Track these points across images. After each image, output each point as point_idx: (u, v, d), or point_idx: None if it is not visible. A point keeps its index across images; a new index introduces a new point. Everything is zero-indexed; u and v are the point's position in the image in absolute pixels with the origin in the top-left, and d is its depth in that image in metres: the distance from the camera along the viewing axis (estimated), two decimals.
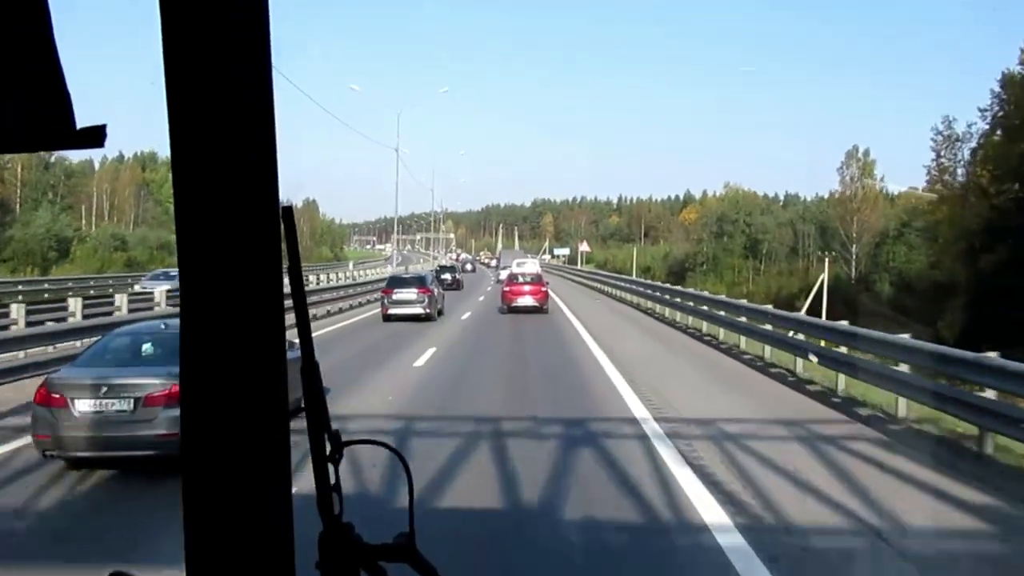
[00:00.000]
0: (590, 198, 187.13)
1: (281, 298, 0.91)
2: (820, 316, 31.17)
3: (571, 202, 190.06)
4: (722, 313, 20.07)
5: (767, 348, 15.36)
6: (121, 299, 21.20)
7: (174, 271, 28.53)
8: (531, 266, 34.03)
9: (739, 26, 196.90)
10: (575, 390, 12.30)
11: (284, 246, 0.92)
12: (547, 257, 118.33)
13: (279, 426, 0.92)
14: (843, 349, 12.30)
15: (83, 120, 0.78)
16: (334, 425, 0.98)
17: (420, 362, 15.32)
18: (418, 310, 24.13)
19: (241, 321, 0.88)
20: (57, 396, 6.91)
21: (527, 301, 26.35)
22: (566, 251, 77.87)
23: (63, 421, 6.82)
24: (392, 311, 24.23)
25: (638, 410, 10.49)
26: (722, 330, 18.84)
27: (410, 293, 24.50)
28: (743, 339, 16.92)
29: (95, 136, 0.79)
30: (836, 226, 66.40)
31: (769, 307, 18.35)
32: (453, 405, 10.91)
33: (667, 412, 10.26)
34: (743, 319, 18.27)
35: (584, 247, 45.18)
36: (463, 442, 8.46)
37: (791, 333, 14.79)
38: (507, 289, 27.41)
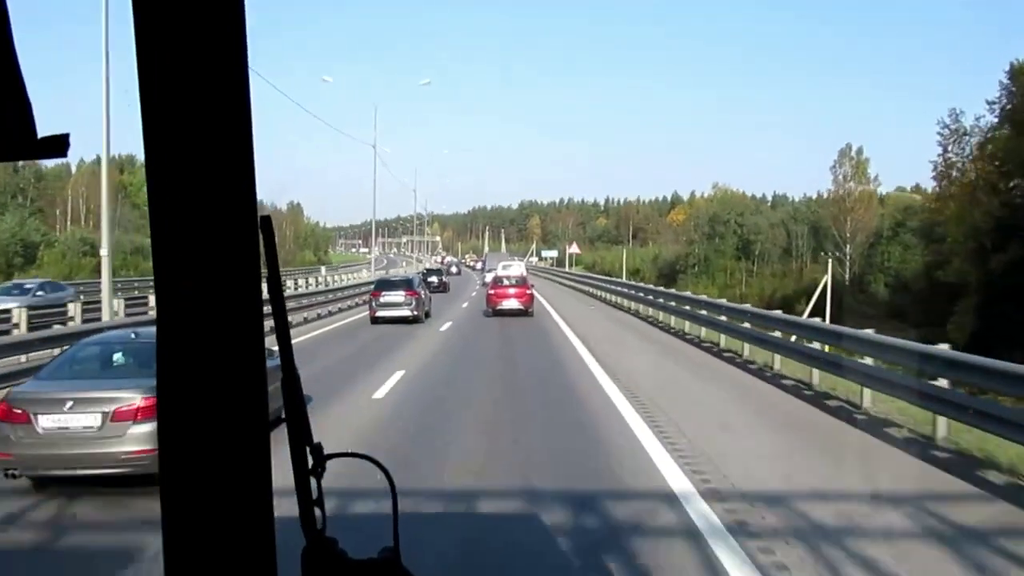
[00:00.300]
0: (577, 200, 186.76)
1: (260, 308, 0.90)
2: (824, 320, 29.70)
3: (558, 204, 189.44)
4: (723, 318, 18.53)
5: (815, 372, 12.60)
6: (75, 308, 19.17)
7: (30, 283, 26.79)
8: (516, 269, 33.62)
9: (733, 26, 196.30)
10: (581, 439, 9.16)
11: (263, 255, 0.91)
12: (534, 259, 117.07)
13: (259, 439, 0.90)
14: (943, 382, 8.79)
15: (57, 126, 0.77)
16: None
17: (380, 393, 12.04)
18: (405, 312, 24.09)
19: (219, 332, 0.87)
20: (19, 412, 6.51)
21: (512, 304, 26.23)
22: (554, 253, 76.08)
23: (26, 438, 6.45)
24: (380, 313, 24.21)
25: (673, 476, 7.40)
26: (747, 346, 16.68)
27: (397, 296, 24.48)
28: (776, 357, 14.64)
29: (57, 145, 0.79)
30: (829, 226, 65.01)
31: (778, 312, 16.69)
32: (414, 463, 7.63)
33: (713, 479, 7.24)
34: (747, 325, 16.83)
35: (574, 249, 43.15)
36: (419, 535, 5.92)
37: (823, 347, 12.64)
38: (492, 292, 27.14)
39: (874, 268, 60.99)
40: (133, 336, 7.68)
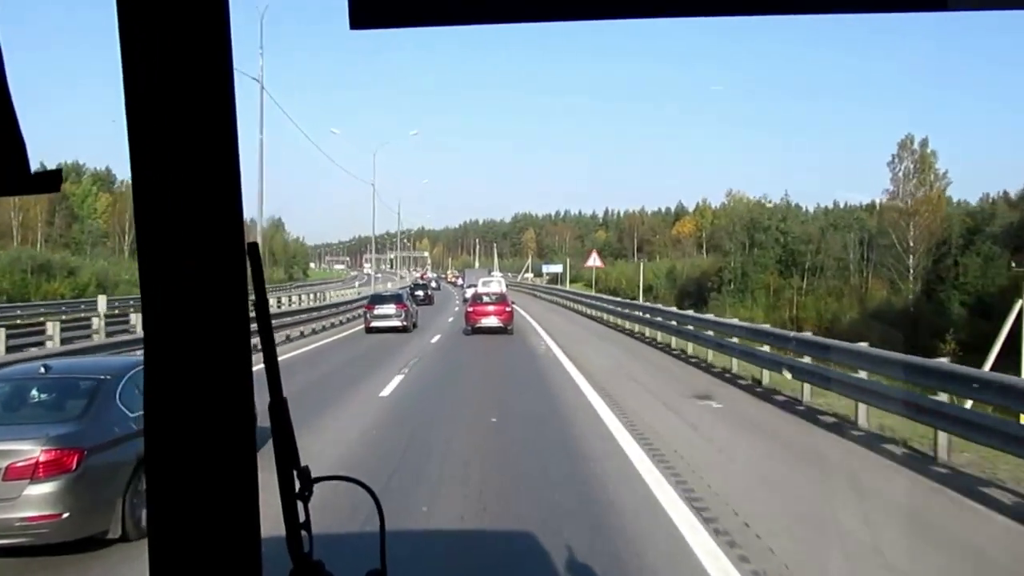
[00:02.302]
0: (574, 212, 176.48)
1: (248, 334, 0.91)
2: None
3: (554, 217, 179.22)
4: (862, 375, 10.26)
5: None
6: None
7: None
8: (496, 285, 33.68)
9: (731, 24, 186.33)
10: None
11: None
12: (529, 276, 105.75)
13: (247, 463, 0.91)
14: None
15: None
16: None
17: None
18: (396, 323, 26.39)
19: (207, 358, 0.88)
20: None
21: (492, 321, 25.46)
22: (558, 268, 64.44)
23: None
24: (374, 324, 26.39)
25: None
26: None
27: (389, 309, 26.85)
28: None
29: (52, 180, 0.80)
30: (886, 232, 53.89)
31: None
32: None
33: None
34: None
35: (594, 261, 31.68)
36: None
37: None
38: (471, 309, 26.38)
39: (947, 284, 49.95)
40: (42, 371, 6.46)
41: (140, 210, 0.86)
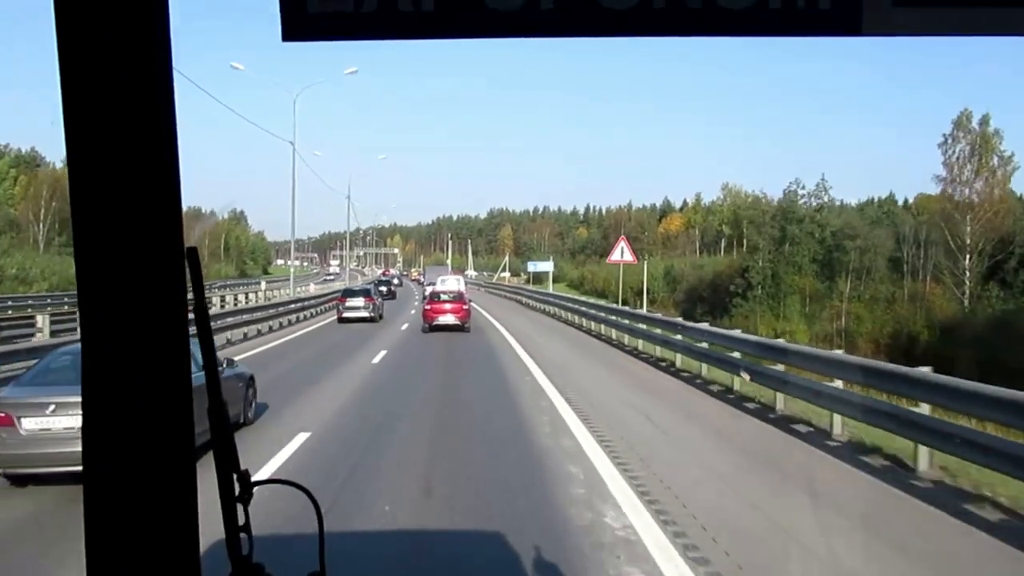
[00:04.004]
0: (554, 209, 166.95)
1: (187, 339, 0.91)
2: None
3: (532, 213, 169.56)
4: None
5: None
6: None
7: None
8: (453, 283, 34.57)
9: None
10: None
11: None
12: (506, 275, 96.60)
13: (185, 466, 0.91)
14: None
15: None
16: None
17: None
18: (364, 314, 29.63)
19: (145, 362, 0.88)
20: (2, 415, 7.08)
21: (449, 319, 25.64)
22: (547, 266, 54.55)
23: (9, 439, 6.99)
24: (345, 315, 29.53)
25: None
26: None
27: (358, 301, 30.26)
28: None
29: None
30: (935, 227, 45.32)
31: None
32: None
33: None
34: None
35: (624, 255, 22.50)
36: None
37: None
38: (428, 307, 26.39)
39: (1015, 289, 41.47)
40: None
41: (77, 213, 0.86)
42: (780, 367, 11.39)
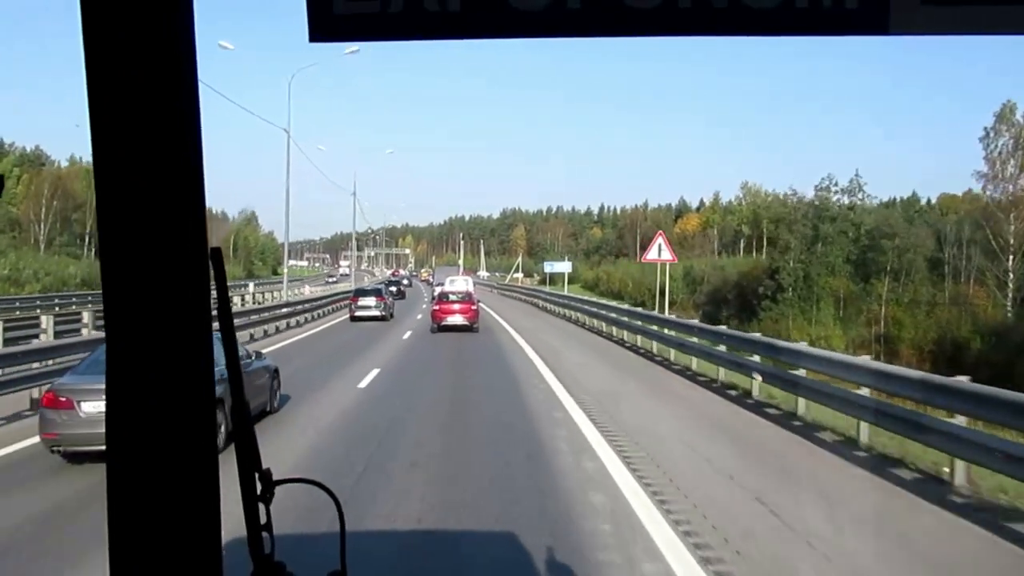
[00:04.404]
0: (567, 208, 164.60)
1: (210, 338, 0.92)
2: None
3: (546, 213, 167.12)
4: None
5: None
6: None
7: None
8: (462, 284, 34.79)
9: None
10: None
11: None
12: (519, 275, 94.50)
13: (208, 466, 0.91)
14: None
15: None
16: None
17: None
18: (375, 313, 30.46)
19: (169, 361, 0.88)
20: (64, 399, 7.79)
21: (457, 319, 25.54)
22: (565, 267, 52.05)
23: (69, 421, 7.67)
24: (357, 313, 30.44)
25: None
26: None
27: (370, 301, 31.28)
28: None
29: None
30: (979, 226, 42.71)
31: None
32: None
33: None
34: None
35: (662, 253, 19.92)
36: None
37: None
38: (437, 308, 26.40)
39: None
40: None
41: (103, 213, 0.86)
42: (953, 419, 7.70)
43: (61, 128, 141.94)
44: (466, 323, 25.41)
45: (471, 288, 32.77)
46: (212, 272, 0.92)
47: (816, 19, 0.92)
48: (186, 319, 0.88)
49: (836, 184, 43.80)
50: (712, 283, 56.03)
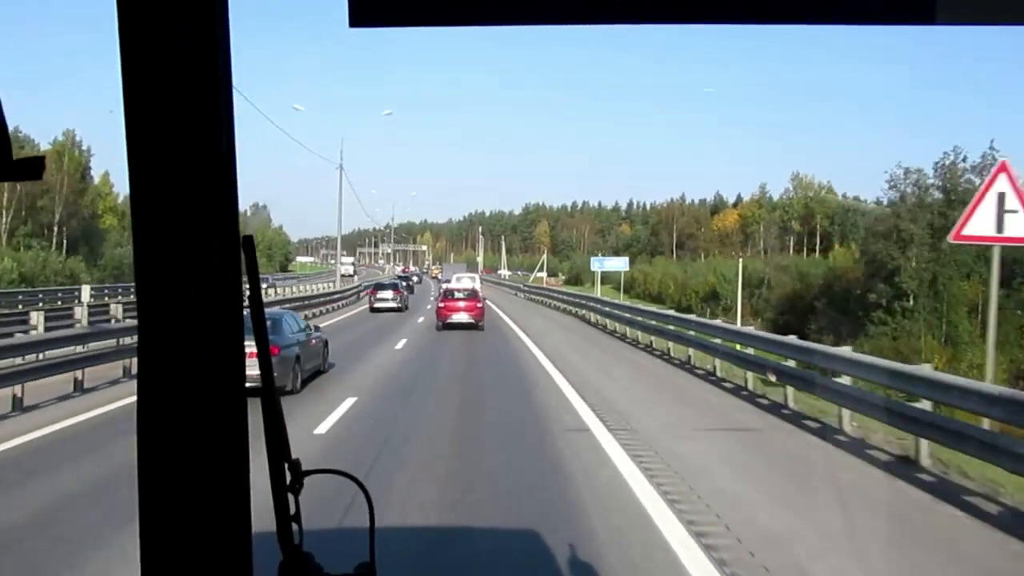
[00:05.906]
0: (593, 204, 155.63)
1: (241, 327, 0.92)
2: None
3: (570, 208, 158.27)
4: None
5: None
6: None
7: None
8: (468, 282, 35.86)
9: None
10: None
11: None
12: (542, 275, 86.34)
13: (239, 455, 0.92)
14: None
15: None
16: None
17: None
18: (392, 304, 34.65)
19: (200, 350, 0.89)
20: None
21: (462, 317, 25.02)
22: (622, 264, 43.93)
23: None
24: (376, 305, 34.81)
25: None
26: None
27: (388, 294, 35.63)
28: None
29: (34, 168, 0.81)
30: None
31: None
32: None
33: None
34: None
35: (999, 224, 11.25)
36: None
37: None
38: (442, 305, 25.94)
39: None
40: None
41: (137, 204, 0.87)
42: None
43: (47, 109, 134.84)
44: (471, 321, 24.95)
45: (477, 286, 33.10)
46: (244, 260, 0.91)
47: (859, 8, 0.88)
48: (218, 307, 0.87)
49: (965, 160, 33.63)
50: (780, 286, 47.02)
